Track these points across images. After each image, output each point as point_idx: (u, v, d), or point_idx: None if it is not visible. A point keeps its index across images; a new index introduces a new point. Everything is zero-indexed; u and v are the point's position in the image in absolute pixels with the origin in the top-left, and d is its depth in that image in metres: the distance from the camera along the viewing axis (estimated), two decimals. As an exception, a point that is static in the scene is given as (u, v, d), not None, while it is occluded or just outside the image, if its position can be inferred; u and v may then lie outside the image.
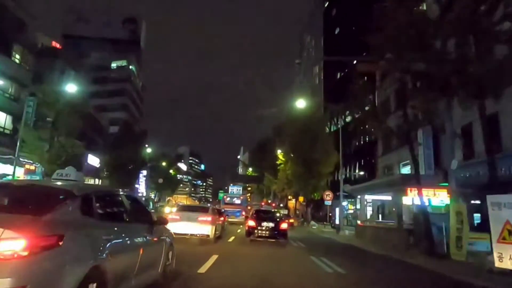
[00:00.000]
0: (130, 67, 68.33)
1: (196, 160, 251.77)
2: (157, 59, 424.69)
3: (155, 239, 5.10)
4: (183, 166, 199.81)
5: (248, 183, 70.72)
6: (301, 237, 19.74)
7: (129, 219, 4.52)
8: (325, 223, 39.01)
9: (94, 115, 49.16)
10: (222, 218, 19.69)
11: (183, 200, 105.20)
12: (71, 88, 23.84)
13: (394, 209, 26.32)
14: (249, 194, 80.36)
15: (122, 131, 42.50)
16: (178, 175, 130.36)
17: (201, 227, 12.25)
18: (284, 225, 14.82)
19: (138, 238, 4.51)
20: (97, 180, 48.69)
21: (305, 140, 36.85)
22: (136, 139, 42.72)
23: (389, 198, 22.43)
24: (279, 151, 45.99)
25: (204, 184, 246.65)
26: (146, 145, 49.79)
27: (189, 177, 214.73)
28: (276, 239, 14.29)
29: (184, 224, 12.12)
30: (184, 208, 15.03)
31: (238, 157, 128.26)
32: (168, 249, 5.58)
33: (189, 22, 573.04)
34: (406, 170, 25.67)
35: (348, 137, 41.74)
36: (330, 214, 45.00)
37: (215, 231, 13.21)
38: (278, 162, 44.29)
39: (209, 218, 12.60)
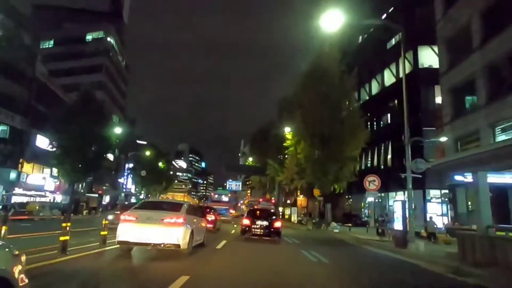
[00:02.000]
0: (108, 39, 57.92)
1: (197, 158, 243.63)
2: (144, 39, 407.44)
3: None
4: (182, 163, 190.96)
5: (248, 174, 61.17)
6: (347, 263, 9.11)
7: None
8: (348, 224, 28.42)
9: (50, 85, 38.83)
10: (213, 217, 17.88)
11: (180, 198, 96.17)
12: None
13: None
14: (249, 190, 70.81)
15: (80, 100, 32.02)
16: (177, 172, 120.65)
17: (167, 232, 8.08)
18: (277, 224, 15.01)
19: None
20: (54, 170, 38.48)
21: (324, 110, 26.63)
22: (99, 112, 32.12)
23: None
24: (287, 130, 35.42)
25: (205, 182, 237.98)
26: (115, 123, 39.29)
27: (189, 175, 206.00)
28: (270, 237, 14.58)
29: (143, 229, 8.03)
30: (144, 206, 10.00)
31: (239, 155, 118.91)
32: None
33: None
34: (504, 137, 15.34)
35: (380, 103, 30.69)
36: (354, 213, 34.69)
37: (192, 237, 8.81)
38: (286, 145, 33.61)
39: (180, 220, 8.37)
